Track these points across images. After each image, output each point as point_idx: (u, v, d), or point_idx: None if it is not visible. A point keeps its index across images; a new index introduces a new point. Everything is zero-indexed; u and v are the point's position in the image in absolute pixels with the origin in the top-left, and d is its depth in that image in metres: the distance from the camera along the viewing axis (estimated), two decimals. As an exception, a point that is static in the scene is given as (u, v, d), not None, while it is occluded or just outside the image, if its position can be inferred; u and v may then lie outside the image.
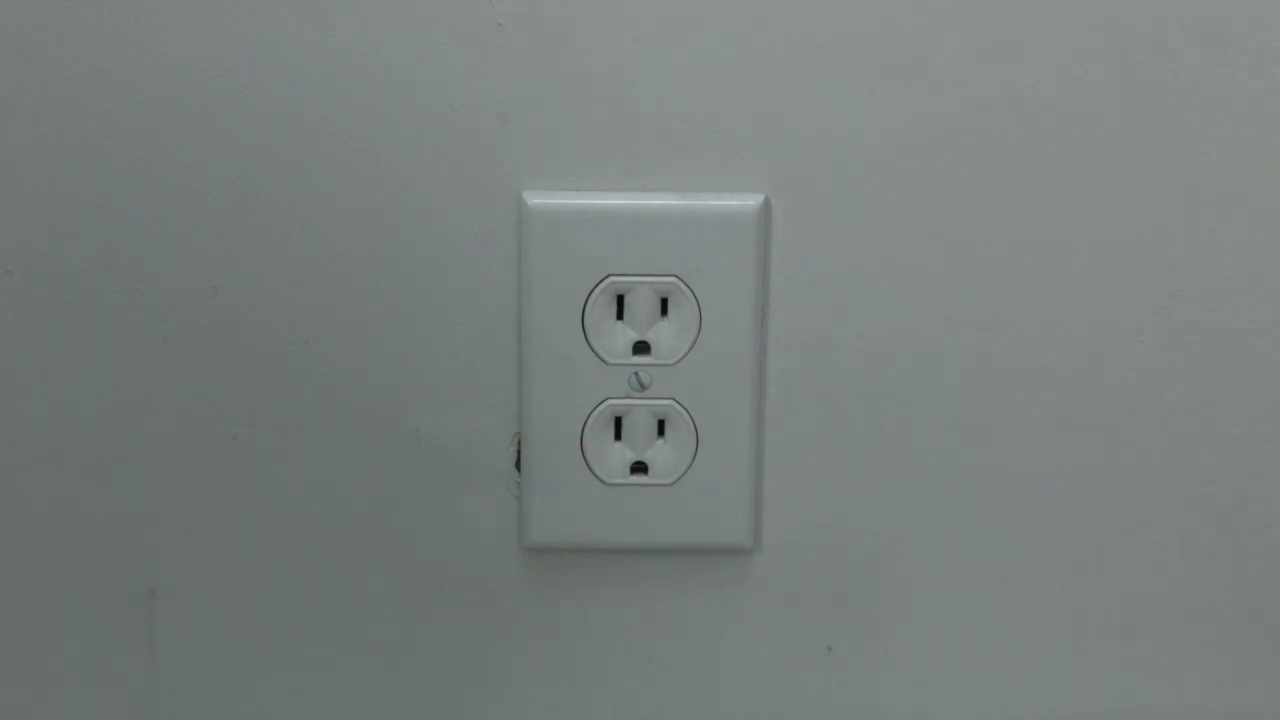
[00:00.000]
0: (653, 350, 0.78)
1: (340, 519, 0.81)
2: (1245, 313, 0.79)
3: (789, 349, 0.79)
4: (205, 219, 0.77)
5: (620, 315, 0.78)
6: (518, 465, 0.80)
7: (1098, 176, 0.77)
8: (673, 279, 0.77)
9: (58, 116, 0.76)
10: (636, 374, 0.78)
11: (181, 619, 0.82)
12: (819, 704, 0.84)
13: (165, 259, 0.77)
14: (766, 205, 0.77)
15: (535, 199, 0.77)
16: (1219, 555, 0.82)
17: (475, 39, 0.75)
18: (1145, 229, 0.78)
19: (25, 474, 0.80)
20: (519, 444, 0.80)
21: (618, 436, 0.79)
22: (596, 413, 0.79)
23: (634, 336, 0.78)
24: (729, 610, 0.82)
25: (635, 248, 0.77)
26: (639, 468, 0.80)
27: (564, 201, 0.77)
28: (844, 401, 0.80)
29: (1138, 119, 0.76)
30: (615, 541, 0.79)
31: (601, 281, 0.77)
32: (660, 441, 0.79)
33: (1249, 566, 0.82)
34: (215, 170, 0.76)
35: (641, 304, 0.77)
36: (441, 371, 0.79)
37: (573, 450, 0.79)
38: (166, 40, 0.75)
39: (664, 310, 0.78)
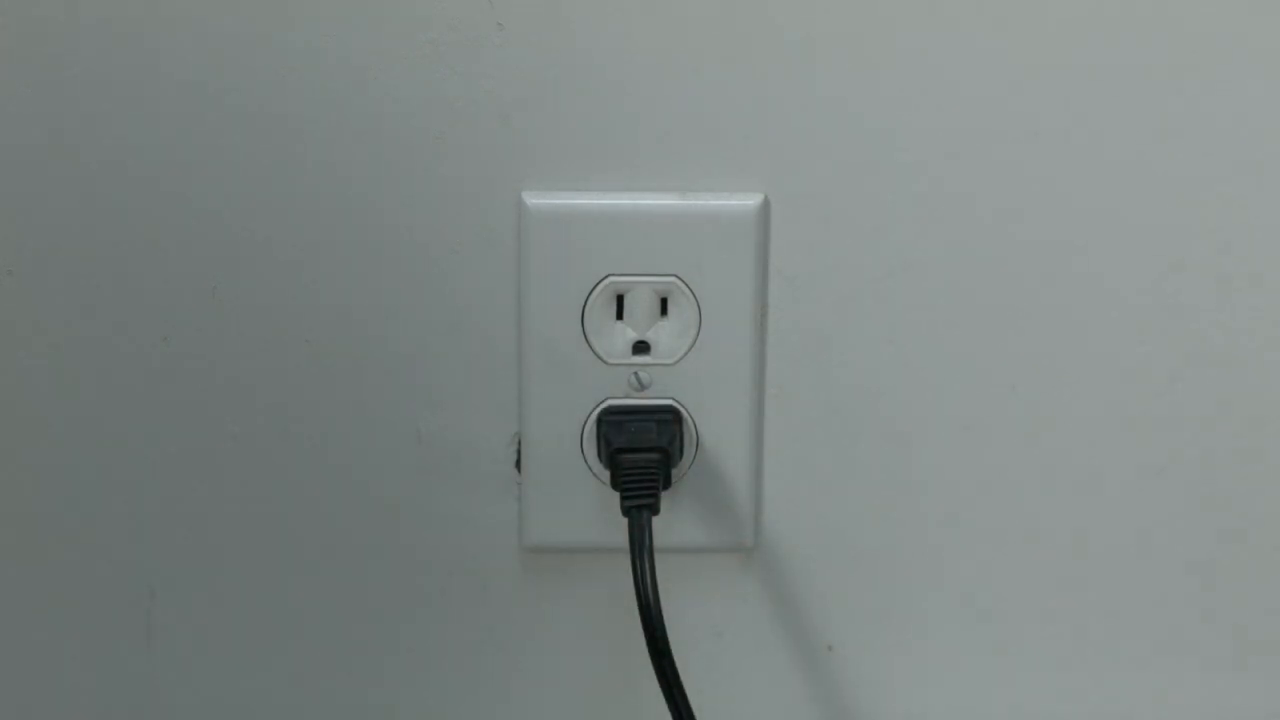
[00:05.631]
0: (652, 350, 0.78)
1: (340, 519, 0.81)
2: (1247, 312, 0.79)
3: (789, 349, 0.79)
4: (205, 219, 0.77)
5: (620, 315, 0.78)
6: (518, 465, 0.80)
7: (1099, 175, 0.77)
8: (672, 279, 0.77)
9: (58, 116, 0.76)
10: (636, 374, 0.78)
11: (181, 619, 0.82)
12: (819, 704, 0.84)
13: (165, 259, 0.77)
14: (766, 205, 0.77)
15: (535, 199, 0.77)
16: (1220, 555, 0.82)
17: (475, 39, 0.75)
18: (1146, 228, 0.78)
19: (25, 474, 0.80)
20: (519, 444, 0.80)
21: (618, 436, 0.79)
22: (596, 412, 0.79)
23: (634, 336, 0.78)
24: (729, 610, 0.82)
25: (635, 248, 0.77)
26: (639, 467, 0.80)
27: (564, 201, 0.77)
28: (844, 401, 0.80)
29: (1139, 118, 0.76)
30: (615, 542, 0.79)
31: (601, 281, 0.77)
32: (660, 441, 0.79)
33: (1249, 567, 0.82)
34: (215, 171, 0.76)
35: (641, 304, 0.77)
36: (441, 371, 0.79)
37: (573, 450, 0.79)
38: (166, 40, 0.75)
39: (664, 310, 0.78)
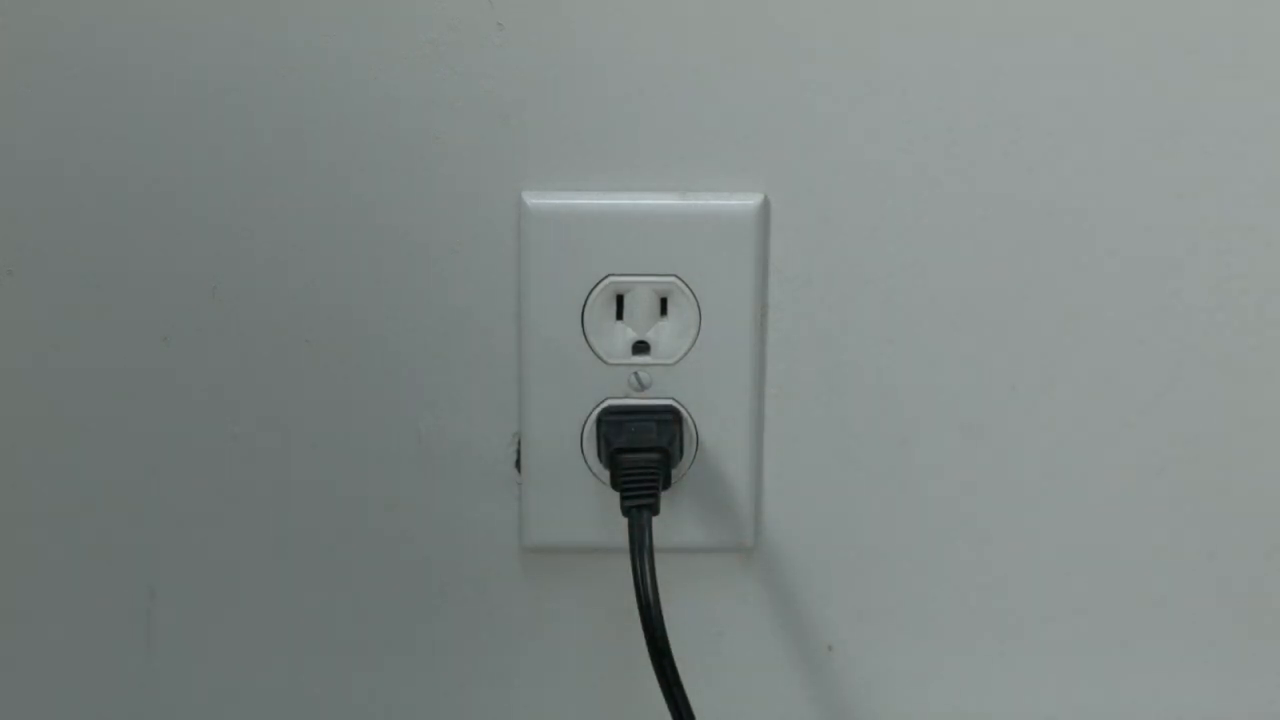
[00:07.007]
0: (652, 350, 0.78)
1: (340, 519, 0.81)
2: (1246, 312, 0.79)
3: (789, 349, 0.79)
4: (205, 219, 0.77)
5: (620, 315, 0.78)
6: (518, 465, 0.80)
7: (1099, 175, 0.77)
8: (672, 279, 0.77)
9: (58, 116, 0.76)
10: (636, 374, 0.78)
11: (181, 619, 0.82)
12: (819, 704, 0.84)
13: (165, 259, 0.77)
14: (766, 205, 0.77)
15: (535, 199, 0.77)
16: (1220, 555, 0.82)
17: (475, 39, 0.75)
18: (1146, 228, 0.78)
19: (25, 474, 0.80)
20: (519, 444, 0.80)
21: (618, 436, 0.79)
22: (596, 412, 0.79)
23: (634, 336, 0.78)
24: (729, 610, 0.82)
25: (635, 248, 0.77)
26: (639, 468, 0.80)
27: (564, 201, 0.77)
28: (844, 401, 0.80)
29: (1139, 117, 0.76)
30: (615, 542, 0.79)
31: (601, 281, 0.77)
32: (660, 442, 0.79)
33: (1249, 566, 0.82)
34: (215, 170, 0.76)
35: (641, 304, 0.77)
36: (441, 371, 0.79)
37: (573, 450, 0.79)
38: (166, 40, 0.75)
39: (664, 310, 0.78)
